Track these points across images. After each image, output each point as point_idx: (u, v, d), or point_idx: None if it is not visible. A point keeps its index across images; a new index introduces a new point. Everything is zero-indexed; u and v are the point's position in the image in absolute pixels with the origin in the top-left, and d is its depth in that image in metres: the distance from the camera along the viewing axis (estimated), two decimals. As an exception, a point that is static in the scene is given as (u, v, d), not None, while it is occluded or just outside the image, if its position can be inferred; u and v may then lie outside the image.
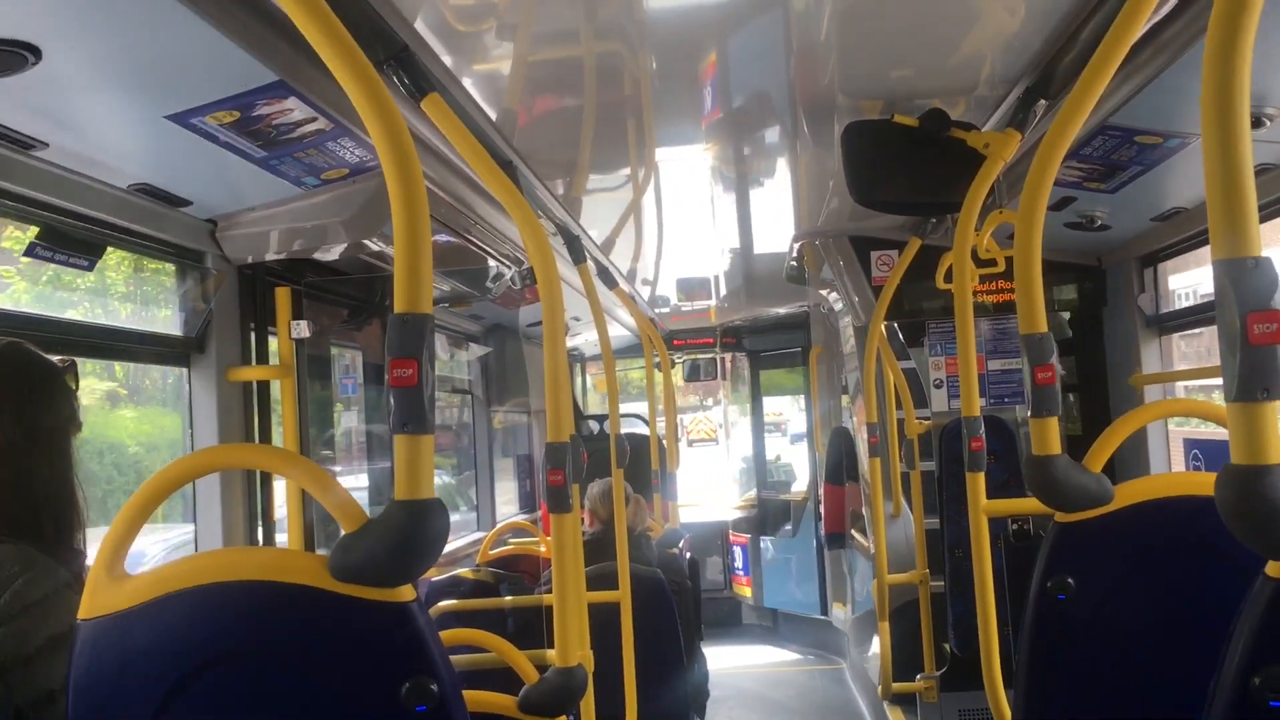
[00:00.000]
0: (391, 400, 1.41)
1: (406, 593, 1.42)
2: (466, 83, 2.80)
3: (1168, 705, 1.92)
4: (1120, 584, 2.06)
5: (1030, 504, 2.41)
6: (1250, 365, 1.17)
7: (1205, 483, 2.05)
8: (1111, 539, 2.05)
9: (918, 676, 5.16)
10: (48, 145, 2.44)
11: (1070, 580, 2.04)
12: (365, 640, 1.44)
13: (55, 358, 2.00)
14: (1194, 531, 2.00)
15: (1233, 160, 1.20)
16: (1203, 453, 4.25)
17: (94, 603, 1.43)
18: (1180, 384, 4.93)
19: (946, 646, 5.04)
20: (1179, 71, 2.63)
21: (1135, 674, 2.05)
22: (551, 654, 2.27)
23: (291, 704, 1.44)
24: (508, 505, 7.82)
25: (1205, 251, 4.45)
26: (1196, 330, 4.91)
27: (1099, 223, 4.27)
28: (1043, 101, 2.84)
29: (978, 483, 2.77)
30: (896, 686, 5.19)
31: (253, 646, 1.43)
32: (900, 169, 3.07)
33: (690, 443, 10.42)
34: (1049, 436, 2.06)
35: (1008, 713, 2.52)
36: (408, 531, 1.39)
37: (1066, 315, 5.28)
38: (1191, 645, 1.66)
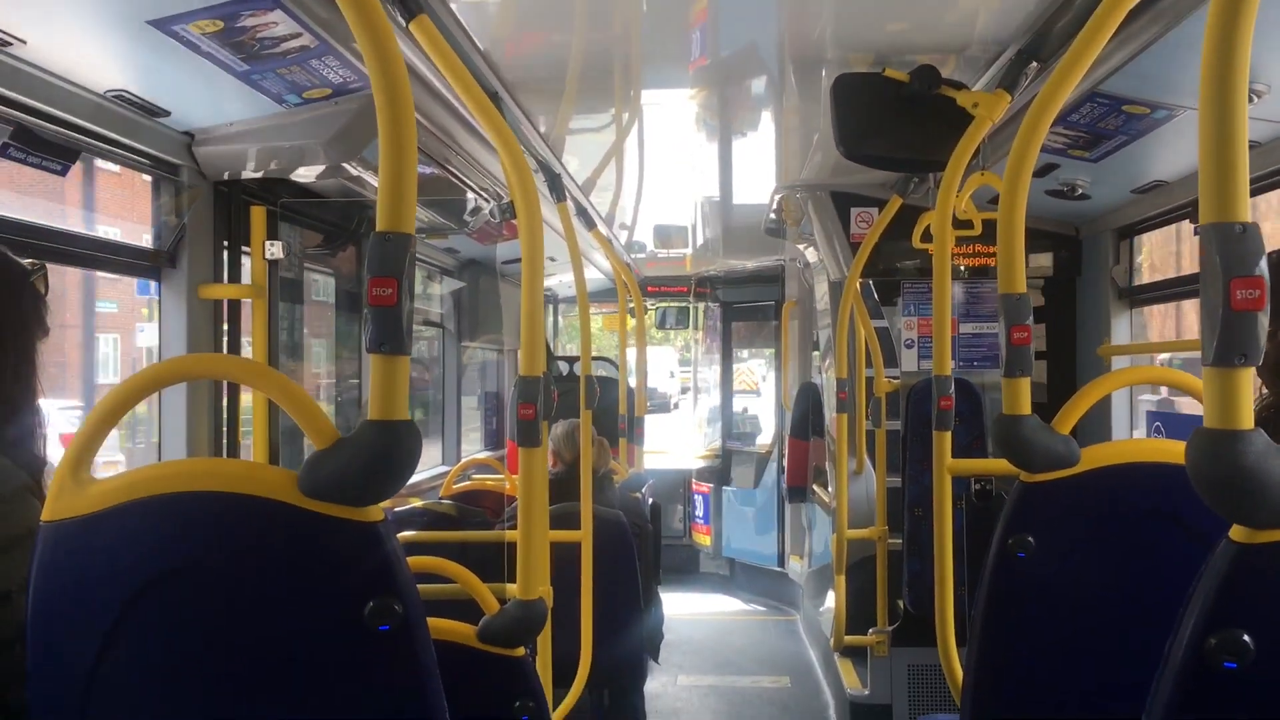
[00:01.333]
0: (369, 319, 1.39)
1: (375, 513, 1.42)
2: (455, 8, 2.75)
3: (1122, 667, 1.95)
4: (1081, 546, 2.08)
5: (995, 464, 2.44)
6: (1230, 330, 1.18)
7: (1171, 450, 2.08)
8: (1075, 501, 2.07)
9: (870, 630, 5.24)
10: (25, 43, 2.38)
11: (1031, 539, 2.06)
12: (332, 557, 1.43)
13: (25, 261, 1.96)
14: (1158, 498, 2.03)
15: (1229, 122, 1.20)
16: (1165, 425, 4.31)
17: (58, 505, 1.42)
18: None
19: (900, 603, 5.12)
20: (1173, 41, 2.63)
21: (1091, 635, 2.08)
22: (512, 587, 2.27)
23: (253, 617, 1.44)
24: (472, 443, 7.83)
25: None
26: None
27: (1080, 191, 4.28)
28: (1034, 64, 2.82)
29: (944, 441, 2.79)
30: (848, 639, 5.27)
31: (218, 557, 1.43)
32: (888, 124, 3.05)
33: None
34: (1020, 396, 2.08)
35: (958, 668, 2.56)
36: (380, 451, 1.39)
37: (1041, 283, 5.31)
38: (1148, 610, 1.68)
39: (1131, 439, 4.74)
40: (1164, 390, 5.93)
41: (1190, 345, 4.34)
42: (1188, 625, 1.28)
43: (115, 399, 1.47)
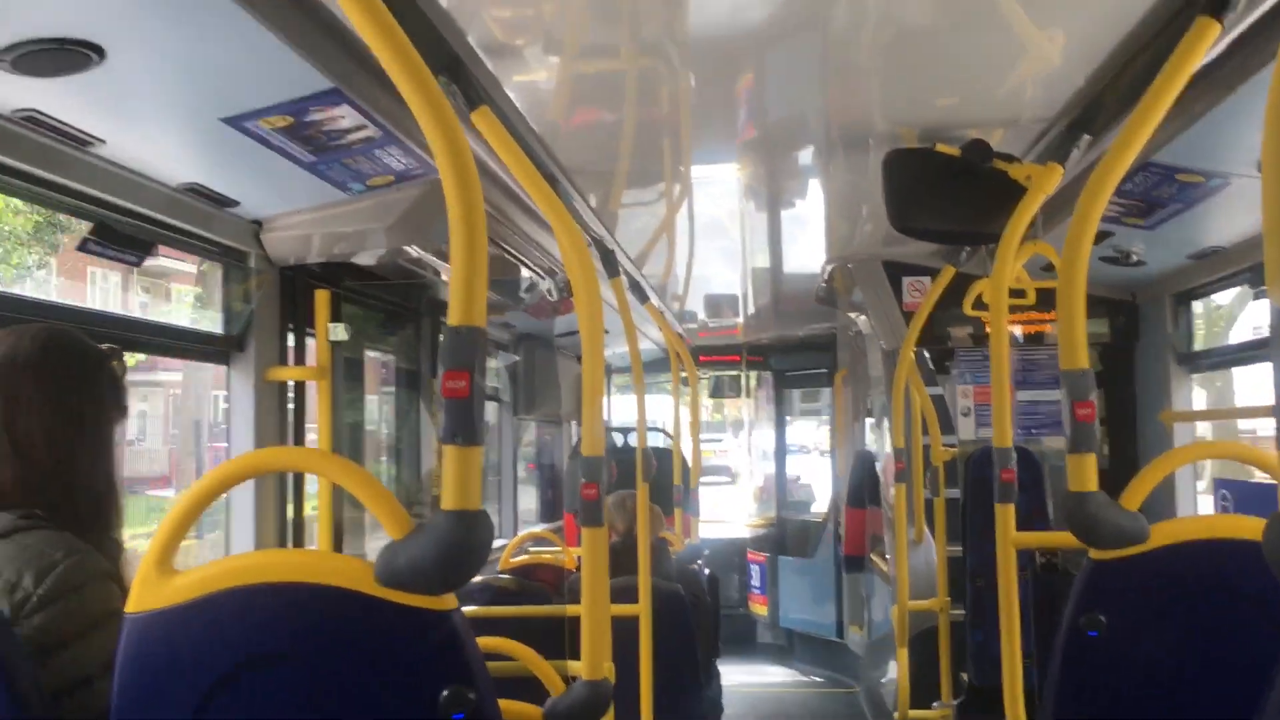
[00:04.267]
0: (443, 410, 1.42)
1: (449, 601, 1.44)
2: (513, 95, 2.83)
3: None
4: (1153, 624, 2.05)
5: (1061, 538, 2.41)
6: None
7: (1242, 527, 2.05)
8: (1146, 578, 2.04)
9: (934, 705, 5.13)
10: (105, 143, 2.49)
11: (1103, 618, 2.04)
12: (406, 646, 1.45)
13: (103, 346, 2.00)
14: (1232, 576, 2.00)
15: None
16: (1232, 494, 4.23)
17: (142, 597, 1.46)
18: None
19: (964, 676, 5.02)
20: (1225, 112, 2.64)
21: (1165, 715, 2.05)
22: (575, 665, 2.28)
23: (330, 706, 1.46)
24: (528, 515, 7.86)
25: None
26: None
27: (1135, 259, 4.26)
28: (1086, 136, 2.84)
29: (1007, 514, 2.76)
30: (913, 714, 5.16)
31: (295, 647, 1.45)
32: (940, 198, 3.08)
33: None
34: (1087, 472, 2.07)
35: None
36: (455, 541, 1.41)
37: (1098, 349, 5.27)
38: (1224, 690, 1.65)
39: (1202, 515, 4.65)
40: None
41: (1255, 412, 4.27)
42: (1272, 712, 1.26)
43: (195, 495, 1.51)
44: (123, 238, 2.73)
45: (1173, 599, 2.06)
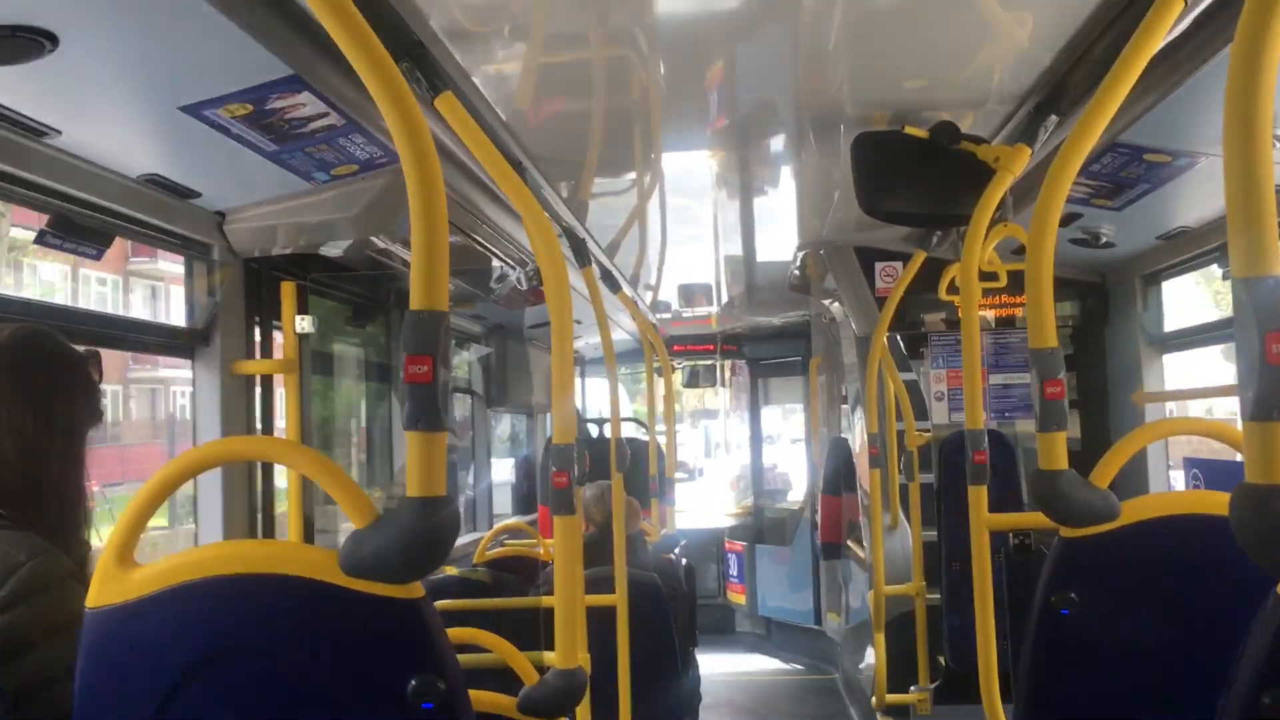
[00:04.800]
0: (406, 396, 1.40)
1: (416, 589, 1.42)
2: (478, 82, 2.80)
3: None
4: (1125, 600, 2.06)
5: (1034, 518, 2.41)
6: (1268, 385, 1.17)
7: (1211, 501, 2.06)
8: (1117, 555, 2.05)
9: (911, 688, 5.15)
10: (60, 133, 2.44)
11: (1074, 595, 2.04)
12: (374, 636, 1.43)
13: (81, 348, 1.98)
14: (1200, 550, 2.00)
15: (1254, 175, 1.20)
16: (1203, 472, 4.26)
17: (103, 592, 1.43)
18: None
19: (941, 659, 5.04)
20: (1191, 90, 2.64)
21: (1139, 690, 2.05)
22: (550, 655, 2.26)
23: (298, 698, 1.44)
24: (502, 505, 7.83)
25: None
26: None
27: (1104, 240, 4.28)
28: (1053, 117, 2.84)
29: (980, 496, 2.76)
30: (890, 698, 5.19)
31: (261, 639, 1.43)
32: (909, 180, 3.07)
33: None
34: (1057, 451, 2.07)
35: None
36: (420, 528, 1.39)
37: (1069, 331, 5.29)
38: (1196, 664, 1.66)
39: (1172, 492, 4.68)
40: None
41: (1226, 391, 4.30)
42: (1240, 683, 1.26)
43: (157, 484, 1.49)
44: (81, 229, 2.69)
45: (1144, 575, 2.06)
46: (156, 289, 16.67)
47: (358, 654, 1.44)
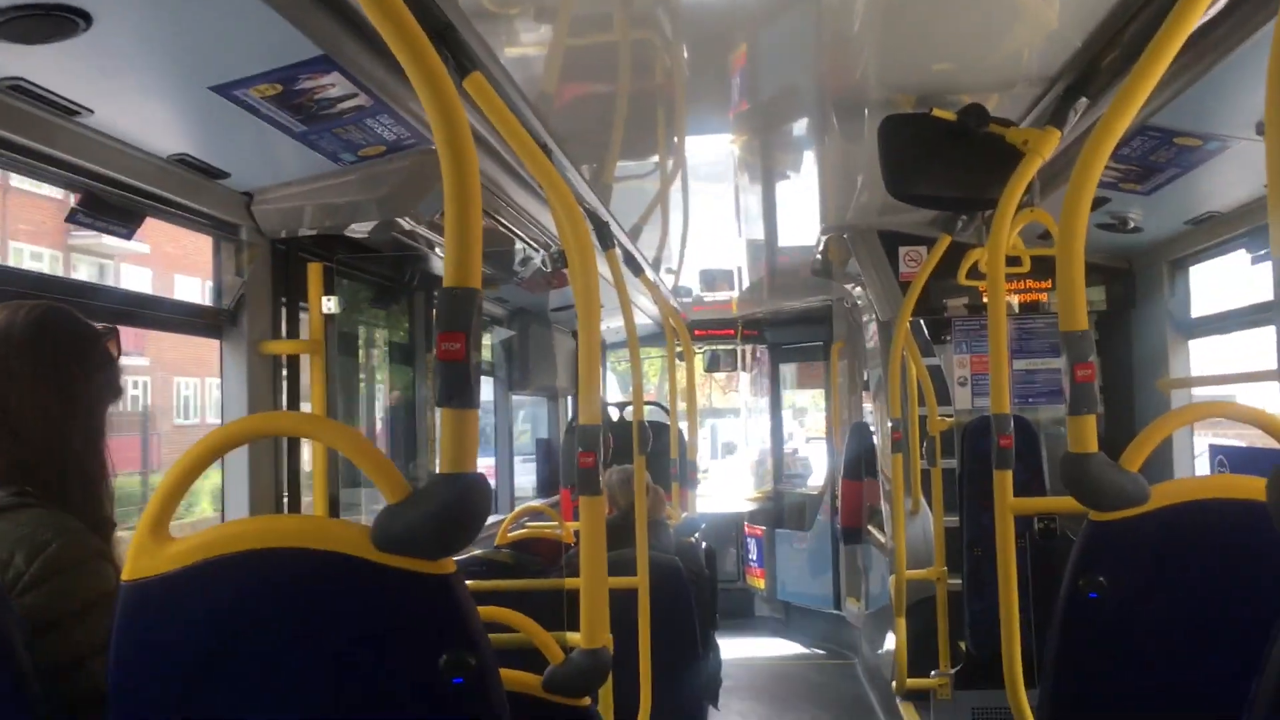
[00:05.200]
0: (438, 373, 1.41)
1: (447, 565, 1.43)
2: (505, 64, 2.80)
3: (1202, 707, 1.92)
4: (1154, 585, 2.05)
5: (1060, 502, 2.40)
6: None
7: (1242, 486, 2.05)
8: (1146, 539, 2.04)
9: (932, 673, 5.15)
10: (93, 112, 2.46)
11: (1102, 579, 2.04)
12: (406, 611, 1.44)
13: (99, 325, 1.99)
14: (1231, 534, 1.99)
15: None
16: (1229, 458, 4.23)
17: (137, 564, 1.44)
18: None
19: (962, 644, 5.04)
20: (1223, 73, 2.62)
21: (1167, 674, 2.05)
22: (574, 636, 2.27)
23: (329, 671, 1.45)
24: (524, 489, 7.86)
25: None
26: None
27: (1132, 224, 4.25)
28: (1083, 100, 2.82)
29: (1005, 480, 2.75)
30: (911, 682, 5.19)
31: (294, 613, 1.45)
32: (936, 163, 3.05)
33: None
34: (1086, 434, 2.06)
35: (1028, 712, 2.51)
36: (452, 504, 1.40)
37: (1095, 317, 5.26)
38: (1225, 649, 1.65)
39: (1201, 476, 4.65)
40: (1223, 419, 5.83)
41: (1255, 377, 4.27)
42: (1273, 669, 1.26)
43: (189, 461, 1.50)
44: (111, 208, 2.71)
45: (1173, 559, 2.05)
46: (105, 267, 15.62)
47: (390, 629, 1.45)
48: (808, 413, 11.05)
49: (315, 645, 1.45)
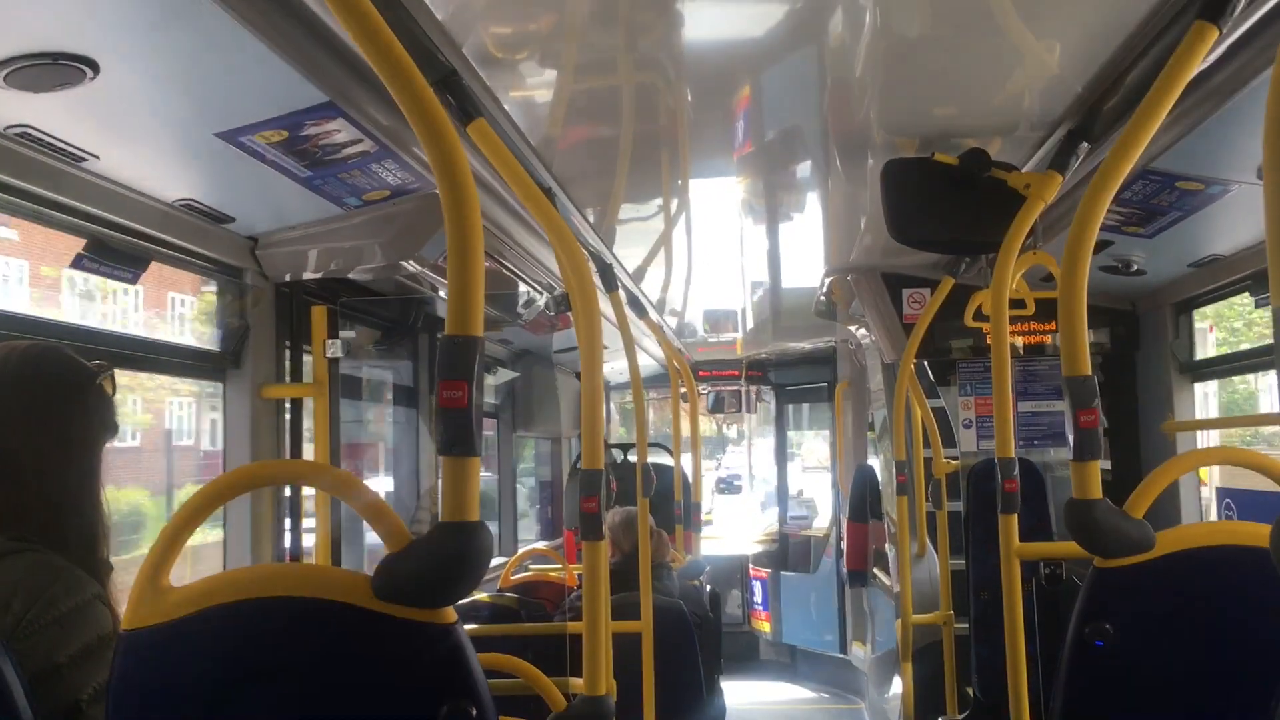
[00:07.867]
0: (439, 421, 1.41)
1: (448, 614, 1.42)
2: (509, 109, 2.82)
3: None
4: (1160, 632, 2.03)
5: (1066, 548, 2.38)
6: None
7: (1248, 533, 2.03)
8: (1152, 586, 2.02)
9: (940, 719, 5.09)
10: (99, 158, 2.47)
11: (1108, 627, 2.02)
12: (407, 660, 1.43)
13: (93, 363, 1.97)
14: (1237, 582, 1.98)
15: None
16: (1236, 502, 4.21)
17: (137, 614, 1.44)
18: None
19: (969, 689, 4.98)
20: (1224, 118, 2.63)
21: None
22: (576, 682, 2.25)
23: None
24: (527, 531, 7.82)
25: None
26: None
27: (1135, 268, 4.25)
28: (1085, 144, 2.83)
29: (1010, 525, 2.74)
30: None
31: (294, 662, 1.43)
32: (939, 207, 3.06)
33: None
34: (1090, 480, 2.05)
35: None
36: (453, 553, 1.39)
37: (1099, 359, 5.25)
38: (1232, 697, 1.63)
39: (1207, 522, 4.62)
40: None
41: (1260, 420, 4.26)
42: None
43: (193, 507, 1.50)
44: (117, 254, 2.72)
45: (1179, 607, 2.04)
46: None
47: (390, 679, 1.44)
48: (806, 442, 11.02)
49: (316, 695, 1.44)
